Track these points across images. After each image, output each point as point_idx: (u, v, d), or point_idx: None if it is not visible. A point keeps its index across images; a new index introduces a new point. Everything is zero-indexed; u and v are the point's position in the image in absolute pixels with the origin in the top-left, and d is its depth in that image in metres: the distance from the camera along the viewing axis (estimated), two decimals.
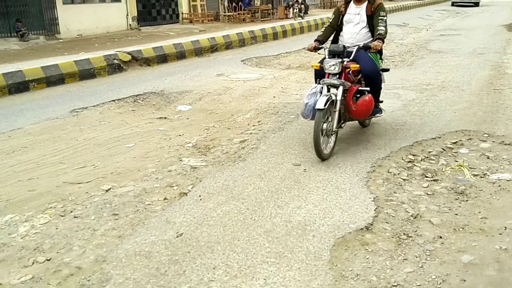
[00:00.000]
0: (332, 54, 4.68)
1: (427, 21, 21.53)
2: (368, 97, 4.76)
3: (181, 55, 12.10)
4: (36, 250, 3.18)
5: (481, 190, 3.93)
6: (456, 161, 4.56)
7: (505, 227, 3.29)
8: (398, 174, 4.27)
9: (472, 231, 3.27)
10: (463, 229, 3.31)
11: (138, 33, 16.79)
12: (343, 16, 5.19)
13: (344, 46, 4.73)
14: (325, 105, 4.30)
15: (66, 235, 3.37)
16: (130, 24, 18.48)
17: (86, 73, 9.63)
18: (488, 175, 4.21)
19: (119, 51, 10.86)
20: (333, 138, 4.69)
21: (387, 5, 30.48)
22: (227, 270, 2.87)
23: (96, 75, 9.79)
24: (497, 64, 9.73)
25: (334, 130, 4.61)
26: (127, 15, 18.48)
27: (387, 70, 5.45)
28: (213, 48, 13.29)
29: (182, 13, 21.57)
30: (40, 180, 4.40)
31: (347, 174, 4.29)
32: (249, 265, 2.92)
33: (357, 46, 4.79)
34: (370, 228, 3.31)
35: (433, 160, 4.62)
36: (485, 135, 5.25)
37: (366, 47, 4.70)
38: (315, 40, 5.12)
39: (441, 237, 3.20)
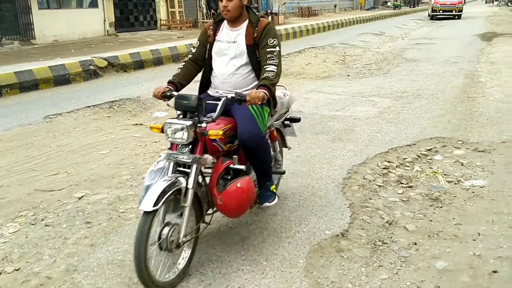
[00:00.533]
0: (183, 110, 2.84)
1: (403, 30, 21.88)
2: (242, 181, 2.96)
3: (158, 61, 12.01)
4: (4, 260, 3.08)
5: (455, 196, 3.97)
6: (431, 168, 4.61)
7: (479, 233, 3.32)
8: (374, 180, 4.29)
9: (446, 238, 3.30)
10: (437, 235, 3.34)
11: (116, 39, 16.63)
12: (212, 44, 3.29)
13: (199, 97, 2.82)
14: (156, 203, 2.49)
15: (36, 244, 3.28)
16: (107, 30, 18.31)
17: (61, 79, 9.48)
18: (462, 182, 4.26)
19: (95, 57, 10.73)
20: (185, 252, 2.84)
21: (364, 15, 30.96)
22: (202, 279, 2.83)
23: (71, 81, 9.65)
24: (471, 72, 9.92)
25: (182, 240, 2.71)
26: (105, 20, 18.31)
27: (297, 120, 3.89)
28: None
29: (160, 20, 21.47)
30: (10, 187, 4.29)
31: (323, 180, 4.29)
32: (224, 273, 2.88)
33: (225, 97, 2.93)
34: (345, 235, 3.31)
35: (408, 166, 4.66)
36: (459, 142, 5.32)
37: (239, 99, 2.87)
38: (169, 82, 3.20)
39: (416, 244, 3.21)
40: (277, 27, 20.22)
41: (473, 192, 4.02)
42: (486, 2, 62.86)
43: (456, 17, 29.20)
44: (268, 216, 3.61)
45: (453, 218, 3.58)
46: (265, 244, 3.21)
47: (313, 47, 14.87)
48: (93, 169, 4.71)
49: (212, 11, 23.07)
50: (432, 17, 29.50)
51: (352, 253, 3.09)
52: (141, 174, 4.54)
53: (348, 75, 10.13)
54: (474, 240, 3.25)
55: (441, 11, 29.17)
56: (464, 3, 32.01)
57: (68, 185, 4.33)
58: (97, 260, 3.04)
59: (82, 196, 4.05)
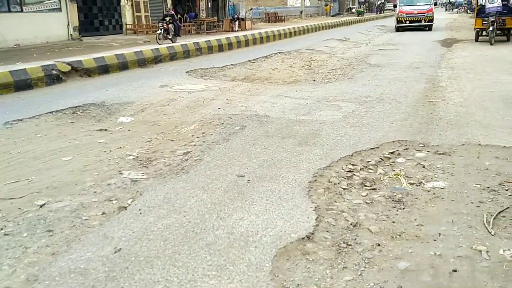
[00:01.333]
0: None
1: (367, 36, 22.30)
2: None
3: (123, 66, 11.86)
4: None
5: (417, 198, 4.06)
6: (394, 170, 4.71)
7: (439, 234, 3.41)
8: (339, 183, 4.35)
9: (409, 238, 3.37)
10: (400, 236, 3.41)
11: (80, 44, 16.33)
12: None
13: None
14: None
15: None
16: (71, 34, 17.97)
17: (22, 84, 9.24)
18: (424, 184, 4.36)
19: (58, 62, 10.50)
20: None
21: (329, 21, 31.30)
22: (167, 285, 2.80)
23: (33, 86, 9.41)
24: (432, 77, 10.19)
25: None
26: (68, 25, 17.96)
27: None
28: (157, 59, 13.13)
29: (126, 24, 21.22)
30: None
31: (289, 184, 4.32)
32: (189, 279, 2.86)
33: None
34: (311, 237, 3.34)
35: (372, 169, 4.75)
36: (421, 145, 5.45)
37: None
38: None
39: (379, 245, 3.27)
40: (244, 33, 20.42)
41: (434, 194, 4.13)
42: (446, 9, 64.74)
43: (427, 28, 25.14)
44: (234, 220, 3.60)
45: (415, 219, 3.66)
46: (232, 249, 3.21)
47: (279, 53, 15.01)
48: (56, 176, 4.61)
49: (179, 15, 22.96)
50: (398, 29, 25.29)
51: (317, 255, 3.13)
52: (105, 180, 4.46)
53: (314, 80, 10.25)
54: (435, 240, 3.33)
55: (407, 22, 25.04)
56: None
57: (29, 192, 4.21)
58: (59, 269, 2.97)
59: (44, 204, 3.95)
